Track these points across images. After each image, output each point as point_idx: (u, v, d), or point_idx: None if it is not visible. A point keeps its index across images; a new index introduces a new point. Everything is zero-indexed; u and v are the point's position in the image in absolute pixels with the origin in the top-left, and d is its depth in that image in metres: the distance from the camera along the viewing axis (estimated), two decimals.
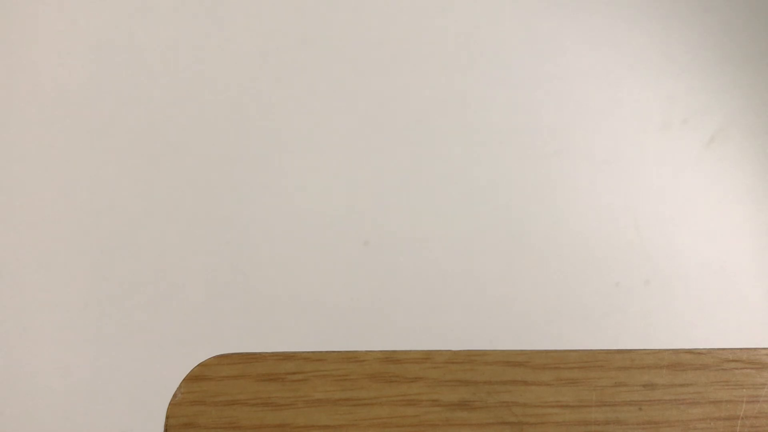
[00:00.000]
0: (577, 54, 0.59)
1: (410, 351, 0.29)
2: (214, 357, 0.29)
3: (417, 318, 0.53)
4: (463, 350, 0.29)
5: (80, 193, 0.54)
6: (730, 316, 0.55)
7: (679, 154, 0.57)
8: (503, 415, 0.28)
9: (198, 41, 0.58)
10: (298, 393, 0.28)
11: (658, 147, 0.57)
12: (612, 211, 0.56)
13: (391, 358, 0.29)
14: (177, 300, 0.53)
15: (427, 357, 0.29)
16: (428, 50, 0.59)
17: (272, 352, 0.29)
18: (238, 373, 0.28)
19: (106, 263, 0.53)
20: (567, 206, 0.56)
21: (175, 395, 0.28)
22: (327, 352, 0.29)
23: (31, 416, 0.50)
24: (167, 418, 0.28)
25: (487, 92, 0.58)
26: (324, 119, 0.57)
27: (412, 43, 0.59)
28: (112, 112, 0.56)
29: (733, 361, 0.29)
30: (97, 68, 0.57)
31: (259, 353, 0.29)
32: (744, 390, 0.29)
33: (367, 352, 0.29)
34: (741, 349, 0.29)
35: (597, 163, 0.57)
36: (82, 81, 0.57)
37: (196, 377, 0.28)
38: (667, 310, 0.55)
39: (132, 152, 0.55)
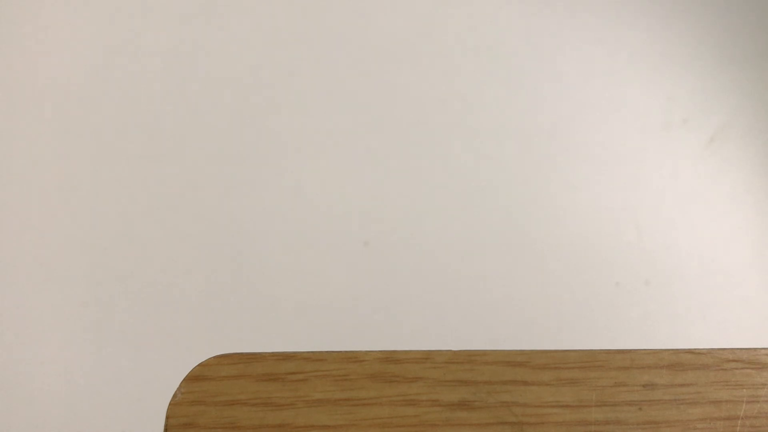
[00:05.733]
0: (577, 54, 0.59)
1: (410, 351, 0.29)
2: (214, 357, 0.29)
3: (417, 318, 0.53)
4: (463, 350, 0.29)
5: (80, 193, 0.54)
6: (730, 316, 0.55)
7: (679, 154, 0.57)
8: (503, 415, 0.28)
9: (198, 41, 0.58)
10: (298, 393, 0.28)
11: (658, 147, 0.57)
12: (612, 211, 0.56)
13: (391, 358, 0.29)
14: (177, 300, 0.53)
15: (427, 357, 0.29)
16: (428, 50, 0.59)
17: (272, 352, 0.29)
18: (238, 373, 0.28)
19: (106, 263, 0.53)
20: (567, 206, 0.56)
21: (175, 395, 0.28)
22: (327, 352, 0.29)
23: (31, 416, 0.50)
24: (167, 418, 0.28)
25: (487, 92, 0.58)
26: (324, 119, 0.57)
27: (411, 43, 0.59)
28: (112, 112, 0.56)
29: (733, 361, 0.29)
30: (96, 68, 0.57)
31: (259, 353, 0.29)
32: (744, 390, 0.29)
33: (367, 352, 0.29)
34: (741, 349, 0.29)
35: (597, 163, 0.57)
36: (82, 81, 0.57)
37: (196, 377, 0.28)
38: (667, 310, 0.55)
39: (132, 152, 0.56)
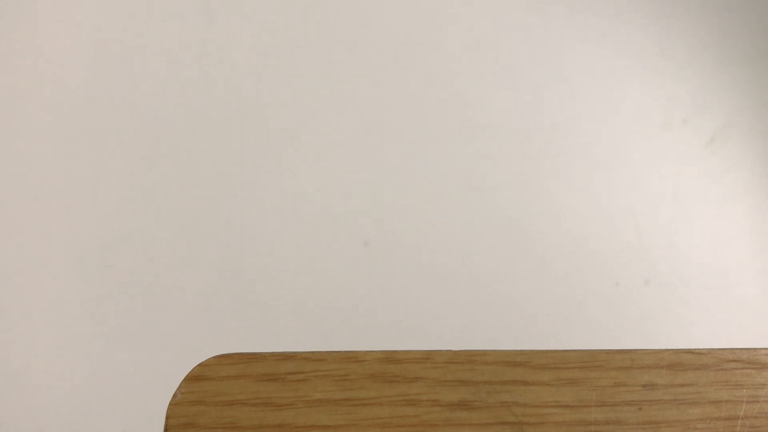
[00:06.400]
0: (577, 54, 0.59)
1: (410, 351, 0.29)
2: (214, 357, 0.29)
3: (417, 318, 0.53)
4: (463, 350, 0.29)
5: (80, 193, 0.54)
6: (730, 316, 0.55)
7: (679, 154, 0.57)
8: (503, 415, 0.28)
9: (198, 41, 0.58)
10: (298, 393, 0.28)
11: (658, 147, 0.57)
12: (612, 211, 0.56)
13: (391, 358, 0.29)
14: (177, 300, 0.53)
15: (427, 357, 0.29)
16: (428, 50, 0.59)
17: (272, 352, 0.29)
18: (238, 373, 0.28)
19: (106, 263, 0.53)
20: (567, 206, 0.56)
21: (175, 395, 0.28)
22: (327, 352, 0.29)
23: (31, 416, 0.50)
24: (167, 418, 0.28)
25: (488, 92, 0.58)
26: (324, 119, 0.57)
27: (412, 43, 0.59)
28: (112, 112, 0.56)
29: (733, 361, 0.29)
30: (96, 68, 0.57)
31: (259, 353, 0.29)
32: (744, 390, 0.29)
33: (367, 352, 0.29)
34: (741, 349, 0.29)
35: (597, 163, 0.57)
36: (82, 81, 0.57)
37: (196, 377, 0.28)
38: (667, 310, 0.55)
39: (132, 152, 0.56)
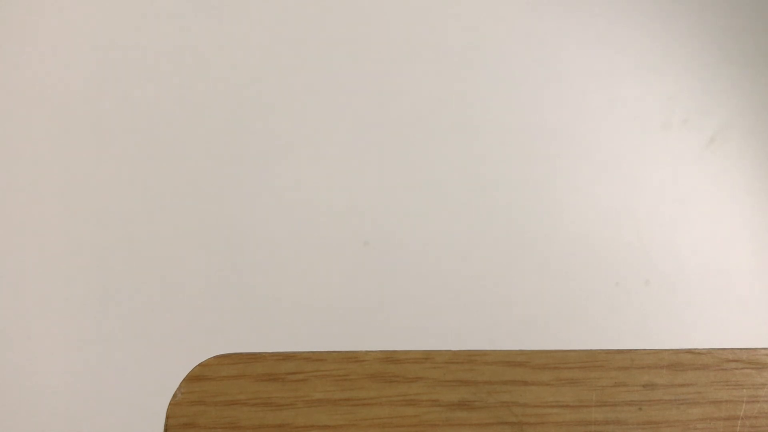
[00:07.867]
0: (577, 54, 0.59)
1: (410, 351, 0.29)
2: (214, 357, 0.29)
3: (417, 318, 0.53)
4: (463, 350, 0.29)
5: (80, 193, 0.54)
6: (730, 316, 0.55)
7: (679, 154, 0.57)
8: (503, 415, 0.28)
9: (199, 41, 0.58)
10: (298, 393, 0.28)
11: (658, 147, 0.57)
12: (612, 211, 0.56)
13: (391, 358, 0.29)
14: (177, 300, 0.53)
15: (427, 357, 0.29)
16: (428, 51, 0.59)
17: (272, 352, 0.29)
18: (238, 373, 0.28)
19: (106, 263, 0.53)
20: (567, 206, 0.56)
21: (175, 395, 0.28)
22: (327, 352, 0.29)
23: (32, 416, 0.50)
24: (167, 418, 0.28)
25: (487, 92, 0.58)
26: (324, 119, 0.57)
27: (412, 43, 0.59)
28: (112, 112, 0.56)
29: (733, 361, 0.29)
30: (97, 69, 0.57)
31: (259, 353, 0.29)
32: (744, 390, 0.29)
33: (367, 352, 0.29)
34: (741, 349, 0.29)
35: (597, 163, 0.57)
36: (83, 81, 0.57)
37: (196, 377, 0.28)
38: (667, 310, 0.55)
39: (132, 152, 0.56)
